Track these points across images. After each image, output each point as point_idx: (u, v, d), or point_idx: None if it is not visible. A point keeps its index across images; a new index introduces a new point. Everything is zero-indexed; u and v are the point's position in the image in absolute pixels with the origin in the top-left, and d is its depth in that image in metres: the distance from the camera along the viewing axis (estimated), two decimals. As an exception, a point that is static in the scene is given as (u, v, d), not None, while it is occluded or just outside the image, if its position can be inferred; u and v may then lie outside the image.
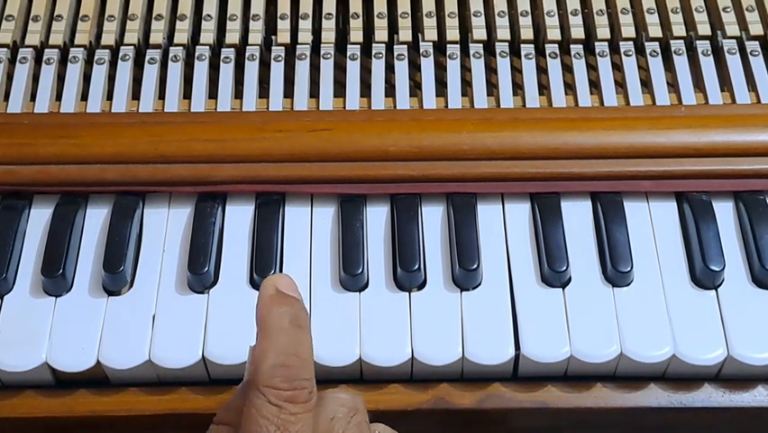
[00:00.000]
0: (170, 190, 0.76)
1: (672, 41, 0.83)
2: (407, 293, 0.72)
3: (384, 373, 0.70)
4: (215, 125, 0.77)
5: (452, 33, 0.84)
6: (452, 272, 0.72)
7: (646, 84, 0.81)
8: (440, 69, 0.82)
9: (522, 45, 0.83)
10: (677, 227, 0.75)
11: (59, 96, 0.80)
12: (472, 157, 0.75)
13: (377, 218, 0.75)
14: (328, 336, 0.69)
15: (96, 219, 0.75)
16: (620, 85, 0.81)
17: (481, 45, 0.83)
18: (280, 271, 0.72)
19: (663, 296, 0.71)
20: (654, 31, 0.83)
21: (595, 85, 0.81)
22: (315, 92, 0.80)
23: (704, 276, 0.72)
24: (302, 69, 0.82)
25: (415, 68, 0.83)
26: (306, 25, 0.84)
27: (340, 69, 0.82)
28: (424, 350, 0.69)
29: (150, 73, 0.81)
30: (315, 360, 0.68)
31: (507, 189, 0.76)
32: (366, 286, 0.72)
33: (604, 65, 0.81)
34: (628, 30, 0.84)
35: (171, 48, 0.83)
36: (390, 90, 0.81)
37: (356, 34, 0.84)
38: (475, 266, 0.71)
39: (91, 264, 0.73)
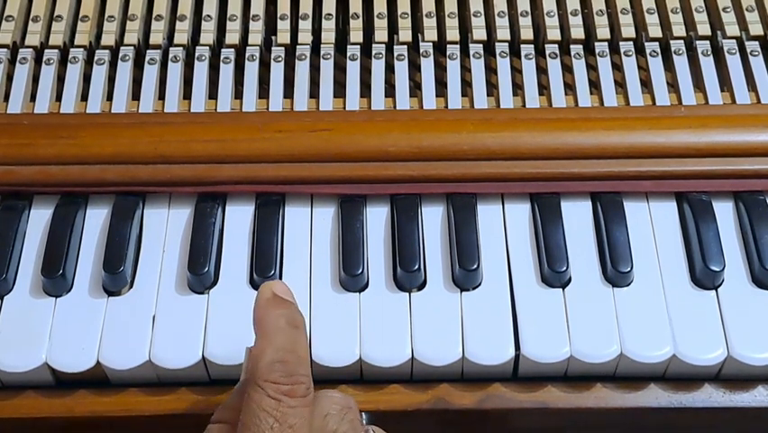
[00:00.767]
0: (170, 191, 0.76)
1: (671, 42, 0.83)
2: (407, 293, 0.72)
3: (384, 374, 0.70)
4: (215, 126, 0.77)
5: (452, 34, 0.84)
6: (452, 273, 0.72)
7: (646, 84, 0.81)
8: (440, 70, 0.82)
9: (522, 45, 0.83)
10: (677, 227, 0.75)
11: (59, 97, 0.80)
12: (472, 157, 0.75)
13: (377, 219, 0.75)
14: (328, 336, 0.69)
15: (96, 220, 0.75)
16: (620, 85, 0.81)
17: (481, 45, 0.83)
18: (280, 271, 0.72)
19: (663, 296, 0.71)
20: (654, 31, 0.83)
21: (595, 85, 0.81)
22: (314, 92, 0.80)
23: (704, 276, 0.72)
24: (302, 69, 0.81)
25: (415, 68, 0.83)
26: (305, 26, 0.84)
27: (340, 70, 0.82)
28: (424, 350, 0.69)
29: (150, 73, 0.81)
30: (316, 360, 0.68)
31: (507, 190, 0.76)
32: (366, 286, 0.72)
33: (604, 65, 0.81)
34: (628, 30, 0.84)
35: (171, 48, 0.83)
36: (390, 90, 0.81)
37: (356, 35, 0.84)
38: (475, 266, 0.71)
39: (91, 265, 0.73)
